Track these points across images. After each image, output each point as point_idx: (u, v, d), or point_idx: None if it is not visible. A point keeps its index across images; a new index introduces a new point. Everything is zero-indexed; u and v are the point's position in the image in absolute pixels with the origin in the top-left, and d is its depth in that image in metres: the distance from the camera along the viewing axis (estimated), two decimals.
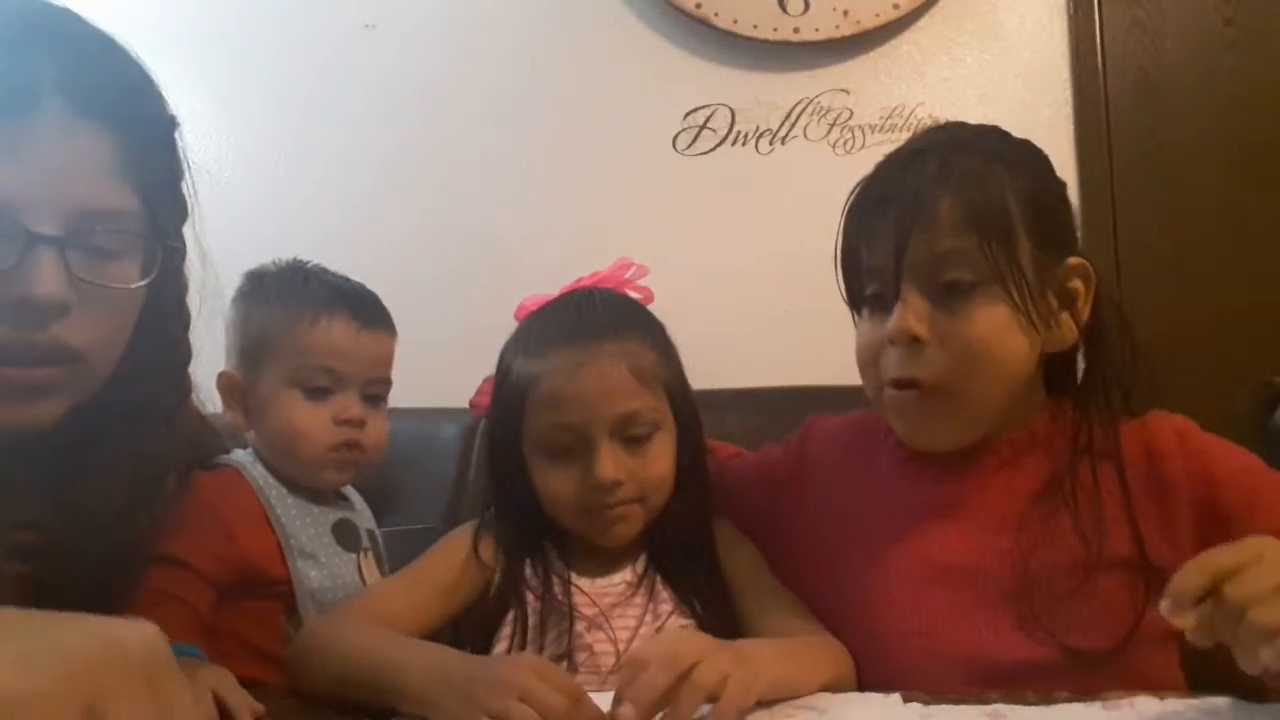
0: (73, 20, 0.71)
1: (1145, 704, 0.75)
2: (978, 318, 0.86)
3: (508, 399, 0.99)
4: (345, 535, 1.09)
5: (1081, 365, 0.96)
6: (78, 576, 0.72)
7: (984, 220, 0.86)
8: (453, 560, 0.99)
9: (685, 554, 0.99)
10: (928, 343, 0.87)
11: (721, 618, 0.95)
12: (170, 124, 0.76)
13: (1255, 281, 1.83)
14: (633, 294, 1.05)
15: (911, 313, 0.87)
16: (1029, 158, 0.94)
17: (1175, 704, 0.74)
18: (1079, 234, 0.98)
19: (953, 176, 0.88)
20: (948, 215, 0.87)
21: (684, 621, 0.95)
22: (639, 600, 0.96)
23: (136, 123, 0.71)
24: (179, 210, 0.77)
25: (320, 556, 1.05)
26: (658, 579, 0.98)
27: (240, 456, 1.09)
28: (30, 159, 0.65)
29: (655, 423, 0.97)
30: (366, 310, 1.10)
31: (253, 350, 1.08)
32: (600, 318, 0.99)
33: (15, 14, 0.68)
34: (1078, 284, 0.90)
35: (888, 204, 0.90)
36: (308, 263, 1.15)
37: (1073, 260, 0.90)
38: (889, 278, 0.89)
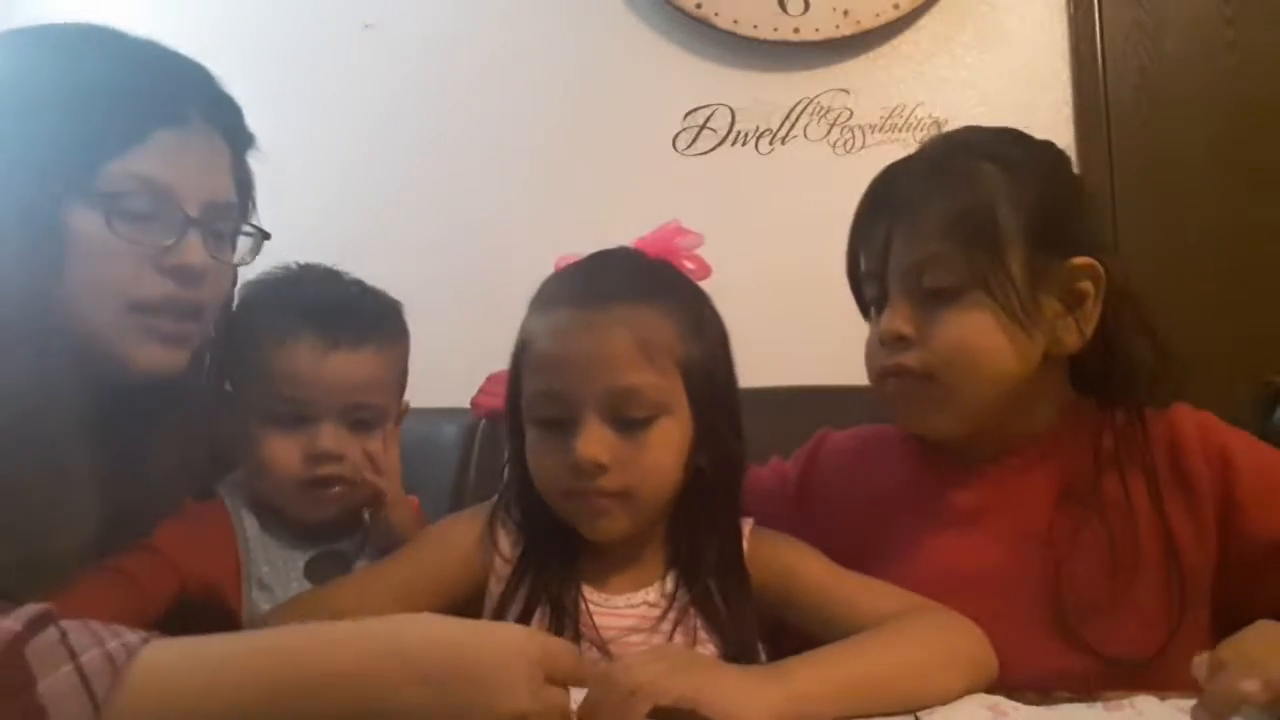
0: (194, 62, 0.90)
1: (1145, 704, 0.75)
2: (959, 322, 0.87)
3: (514, 358, 0.91)
4: (324, 569, 1.00)
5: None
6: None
7: (966, 225, 0.86)
8: (434, 555, 0.92)
9: (719, 571, 0.88)
10: (914, 342, 0.88)
11: (751, 646, 0.86)
12: (252, 141, 0.95)
13: (1255, 281, 1.83)
14: (687, 264, 0.95)
15: (898, 315, 0.89)
16: (1036, 158, 0.93)
17: (1177, 703, 0.74)
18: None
19: (941, 181, 0.89)
20: (931, 220, 0.87)
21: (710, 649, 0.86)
22: (664, 627, 0.86)
23: (239, 136, 0.92)
24: (253, 207, 0.96)
25: (277, 590, 0.97)
26: (689, 601, 0.87)
27: (228, 483, 1.02)
28: (187, 158, 0.85)
29: (659, 405, 0.84)
30: (339, 328, 0.98)
31: (234, 370, 0.99)
32: (615, 278, 0.88)
33: (167, 55, 0.89)
34: (1086, 284, 0.89)
35: (879, 210, 0.92)
36: (305, 266, 1.05)
37: (1078, 261, 0.89)
38: (880, 282, 0.91)
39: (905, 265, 0.89)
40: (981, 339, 0.87)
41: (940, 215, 0.87)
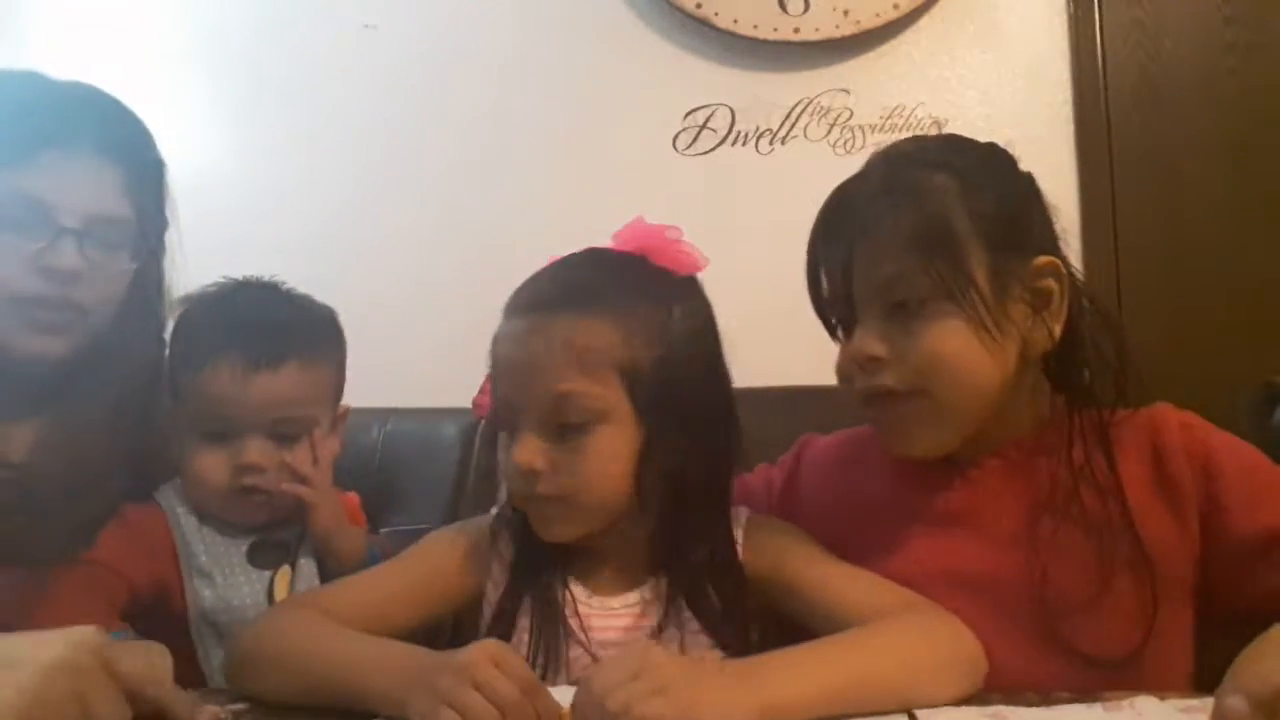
0: (108, 100, 1.02)
1: (1145, 704, 0.75)
2: (931, 334, 0.86)
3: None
4: (265, 554, 1.06)
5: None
6: (49, 504, 0.93)
7: (926, 239, 0.86)
8: (430, 562, 0.93)
9: (710, 569, 0.89)
10: (889, 361, 0.88)
11: (744, 641, 0.87)
12: (160, 166, 1.05)
13: (1255, 281, 1.83)
14: (683, 254, 0.94)
15: (870, 335, 0.89)
16: (983, 162, 0.93)
17: (1177, 703, 0.74)
18: (1063, 232, 0.95)
19: (894, 197, 0.88)
20: (890, 238, 0.87)
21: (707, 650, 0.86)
22: (649, 625, 0.87)
23: (138, 164, 1.02)
24: (161, 223, 1.05)
25: (217, 576, 1.03)
26: (681, 602, 0.87)
27: (165, 489, 1.07)
28: (64, 178, 0.95)
29: (596, 412, 0.85)
30: (260, 349, 1.04)
31: (172, 387, 1.06)
32: (566, 285, 0.89)
33: (73, 92, 1.00)
34: (1050, 283, 0.89)
35: (837, 233, 0.92)
36: (240, 284, 1.10)
37: (1040, 260, 0.89)
38: (846, 304, 0.91)
39: (870, 286, 0.89)
40: (956, 348, 0.86)
41: (899, 231, 0.87)
